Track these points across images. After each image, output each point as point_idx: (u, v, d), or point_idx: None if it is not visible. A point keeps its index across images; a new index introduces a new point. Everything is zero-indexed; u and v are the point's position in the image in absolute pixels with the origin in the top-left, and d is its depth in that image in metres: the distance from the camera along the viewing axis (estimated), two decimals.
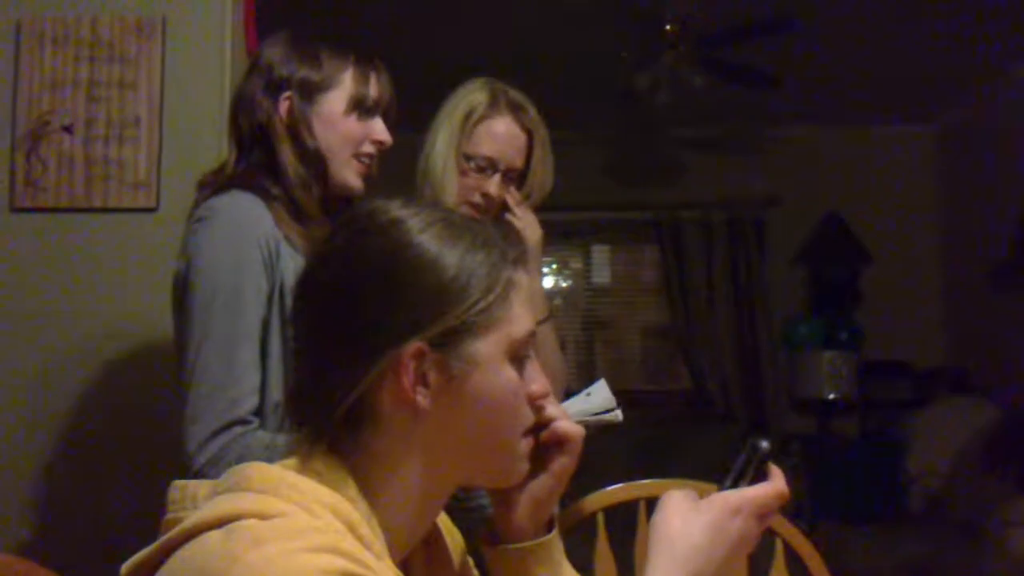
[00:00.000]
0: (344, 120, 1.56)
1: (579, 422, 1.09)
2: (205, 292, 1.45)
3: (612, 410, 1.62)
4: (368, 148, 1.61)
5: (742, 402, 5.92)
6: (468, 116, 1.90)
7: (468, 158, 1.90)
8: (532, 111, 1.95)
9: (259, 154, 1.56)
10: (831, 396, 5.61)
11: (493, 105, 1.92)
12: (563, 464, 1.02)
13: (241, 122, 1.57)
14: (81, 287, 2.22)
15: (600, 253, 6.37)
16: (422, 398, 0.88)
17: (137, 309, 2.19)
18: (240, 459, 1.24)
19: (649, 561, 0.92)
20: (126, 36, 2.30)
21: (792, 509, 4.57)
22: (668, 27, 4.19)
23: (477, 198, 1.90)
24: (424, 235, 0.90)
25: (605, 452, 5.09)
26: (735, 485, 0.96)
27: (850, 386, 5.63)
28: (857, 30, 4.50)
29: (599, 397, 1.62)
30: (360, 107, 1.57)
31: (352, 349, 0.88)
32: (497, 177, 1.90)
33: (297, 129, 1.54)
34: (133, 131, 2.26)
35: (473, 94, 1.93)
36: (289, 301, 1.40)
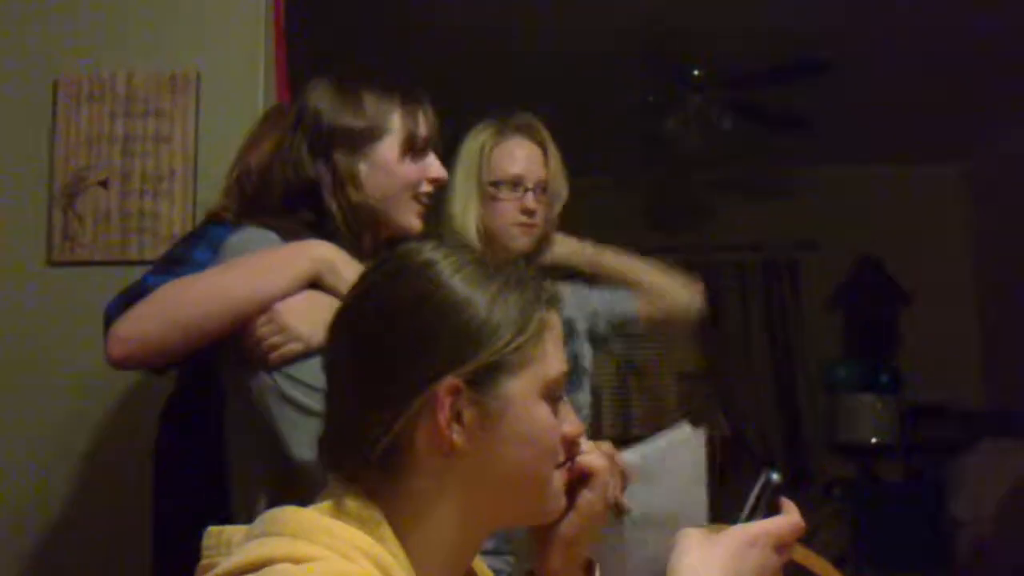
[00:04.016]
0: (399, 165, 1.54)
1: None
2: None
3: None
4: (426, 188, 1.59)
5: (781, 447, 5.84)
6: (481, 150, 1.94)
7: (495, 184, 1.93)
8: (538, 126, 1.99)
9: (305, 211, 1.55)
10: (873, 440, 5.53)
11: (501, 132, 1.98)
12: (588, 500, 1.01)
13: (288, 176, 1.55)
14: None
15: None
16: (457, 436, 0.88)
17: None
18: None
19: None
20: (161, 91, 2.34)
21: (836, 557, 4.48)
22: (696, 72, 4.21)
23: (521, 217, 1.93)
24: (457, 276, 0.91)
25: None
26: (750, 518, 0.96)
27: (892, 429, 5.55)
28: (888, 70, 4.50)
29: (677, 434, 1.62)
30: (413, 149, 1.56)
31: (388, 388, 0.88)
32: (530, 194, 1.92)
33: (344, 185, 1.53)
34: (168, 185, 2.29)
35: (479, 132, 2.00)
36: None
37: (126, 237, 2.27)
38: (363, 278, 0.98)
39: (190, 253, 1.73)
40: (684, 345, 6.10)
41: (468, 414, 0.88)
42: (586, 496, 1.01)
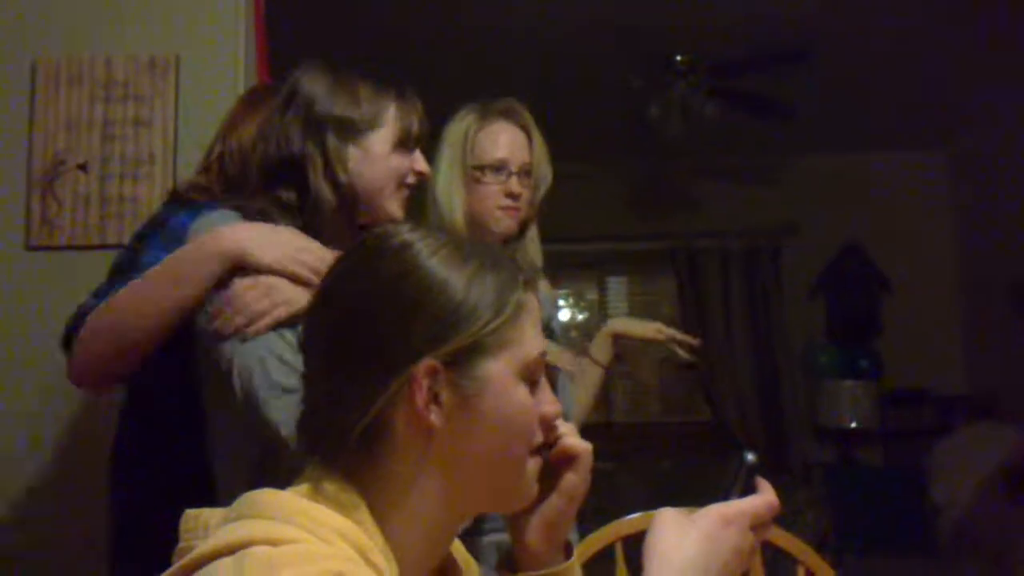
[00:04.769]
0: (390, 157, 1.58)
1: None
2: None
3: None
4: (411, 179, 1.63)
5: (762, 432, 5.87)
6: (465, 135, 1.95)
7: (480, 168, 1.93)
8: (521, 110, 2.00)
9: (285, 188, 1.55)
10: (853, 425, 5.57)
11: (485, 116, 1.99)
12: (572, 482, 1.01)
13: (271, 152, 1.56)
14: None
15: (616, 284, 6.36)
16: (435, 417, 0.88)
17: None
18: None
19: None
20: (140, 75, 2.32)
21: (816, 541, 4.51)
22: (679, 57, 4.20)
23: (504, 200, 1.93)
24: (434, 259, 0.91)
25: (624, 484, 5.06)
26: (726, 499, 0.96)
27: (872, 415, 5.59)
28: (871, 58, 4.51)
29: None
30: (404, 144, 1.59)
31: (365, 370, 0.88)
32: (514, 177, 1.93)
33: (333, 166, 1.55)
34: (148, 169, 2.28)
35: (462, 117, 2.00)
36: None
37: (105, 222, 2.26)
38: (340, 260, 0.98)
39: (139, 257, 1.73)
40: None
41: (446, 395, 0.88)
42: (570, 478, 1.01)
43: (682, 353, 2.32)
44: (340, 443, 0.89)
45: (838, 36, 4.18)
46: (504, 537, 1.10)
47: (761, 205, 6.01)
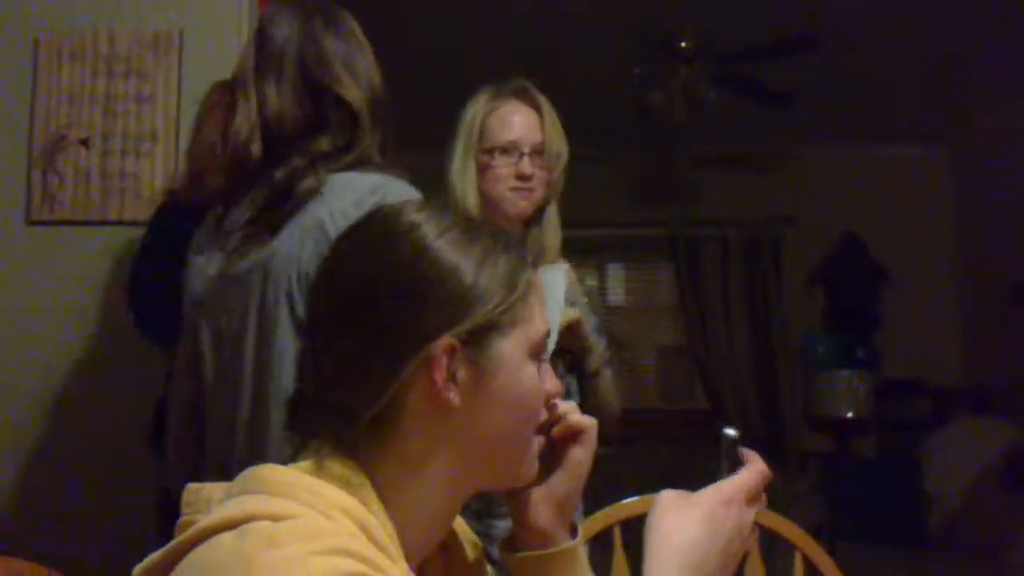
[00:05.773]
0: None
1: None
2: None
3: None
4: None
5: (759, 421, 5.88)
6: (476, 117, 1.94)
7: (490, 151, 1.92)
8: (532, 90, 1.98)
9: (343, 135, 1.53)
10: (848, 415, 5.58)
11: (497, 97, 1.97)
12: (579, 457, 1.01)
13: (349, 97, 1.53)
14: (95, 299, 2.22)
15: (615, 271, 6.36)
16: (453, 395, 0.88)
17: None
18: None
19: (647, 560, 0.90)
20: (143, 51, 2.31)
21: (811, 530, 4.51)
22: (683, 44, 4.19)
23: (514, 182, 1.93)
24: (445, 238, 0.91)
25: (621, 471, 5.07)
26: (715, 479, 0.96)
27: (867, 405, 5.59)
28: (873, 49, 4.49)
29: None
30: None
31: (383, 349, 0.88)
32: (526, 158, 1.92)
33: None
34: (149, 145, 2.27)
35: (474, 100, 1.99)
36: None
37: (107, 197, 2.25)
38: (346, 239, 0.97)
39: None
40: (664, 318, 6.13)
41: (463, 374, 0.88)
42: (577, 453, 1.01)
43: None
44: (350, 423, 0.88)
45: (842, 26, 4.17)
46: None
47: (761, 195, 6.00)
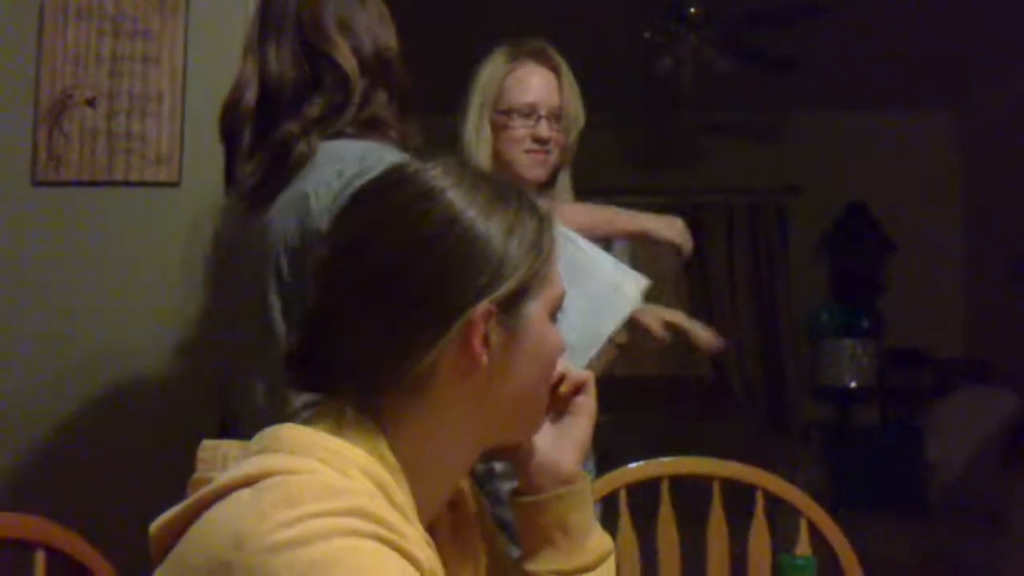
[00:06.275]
0: None
1: None
2: None
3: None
4: None
5: (763, 390, 5.89)
6: (492, 77, 1.92)
7: (507, 112, 1.91)
8: (551, 51, 1.96)
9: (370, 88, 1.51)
10: (852, 384, 5.59)
11: (514, 58, 1.95)
12: (589, 403, 1.05)
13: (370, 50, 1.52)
14: (102, 261, 2.21)
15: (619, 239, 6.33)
16: (486, 358, 0.89)
17: (158, 283, 2.18)
18: None
19: None
20: (149, 10, 2.28)
21: (814, 495, 4.53)
22: (692, 9, 4.16)
23: (530, 144, 1.92)
24: (473, 208, 0.91)
25: (623, 441, 5.08)
26: None
27: (871, 374, 5.61)
28: (880, 15, 4.46)
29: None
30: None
31: (420, 320, 0.88)
32: (544, 121, 1.91)
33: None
34: (156, 106, 2.25)
35: (491, 60, 1.98)
36: None
37: (113, 157, 2.23)
38: (363, 208, 0.95)
39: None
40: (669, 287, 6.12)
41: (495, 337, 0.90)
42: (587, 400, 1.05)
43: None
44: (377, 388, 0.89)
45: None
46: None
47: (766, 163, 5.98)
